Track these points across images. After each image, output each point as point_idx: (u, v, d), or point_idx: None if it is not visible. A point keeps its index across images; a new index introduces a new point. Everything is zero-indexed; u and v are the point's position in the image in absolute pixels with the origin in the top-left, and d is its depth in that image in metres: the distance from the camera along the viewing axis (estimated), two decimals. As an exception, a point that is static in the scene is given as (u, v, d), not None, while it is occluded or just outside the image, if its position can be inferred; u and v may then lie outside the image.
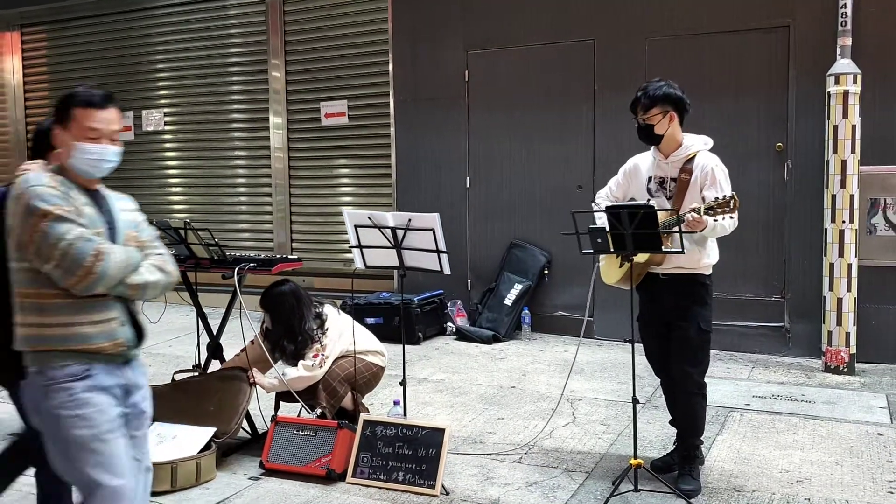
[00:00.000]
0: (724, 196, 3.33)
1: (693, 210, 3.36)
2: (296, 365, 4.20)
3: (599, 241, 3.44)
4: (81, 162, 2.39)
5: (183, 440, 4.00)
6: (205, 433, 4.02)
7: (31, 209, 2.27)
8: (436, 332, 7.01)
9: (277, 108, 8.43)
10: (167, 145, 9.28)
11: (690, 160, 3.58)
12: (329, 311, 4.33)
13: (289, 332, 4.23)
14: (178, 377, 4.49)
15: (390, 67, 7.63)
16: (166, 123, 9.20)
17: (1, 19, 10.05)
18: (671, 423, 3.92)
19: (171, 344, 6.80)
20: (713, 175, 3.51)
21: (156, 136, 9.28)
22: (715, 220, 3.34)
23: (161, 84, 9.21)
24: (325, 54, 8.17)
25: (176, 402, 4.30)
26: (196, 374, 4.50)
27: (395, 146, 7.67)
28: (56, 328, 2.33)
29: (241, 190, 8.89)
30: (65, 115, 2.39)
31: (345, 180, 8.30)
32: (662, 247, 3.37)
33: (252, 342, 4.40)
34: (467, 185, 7.26)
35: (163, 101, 9.22)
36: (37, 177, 2.34)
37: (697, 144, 3.62)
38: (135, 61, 9.31)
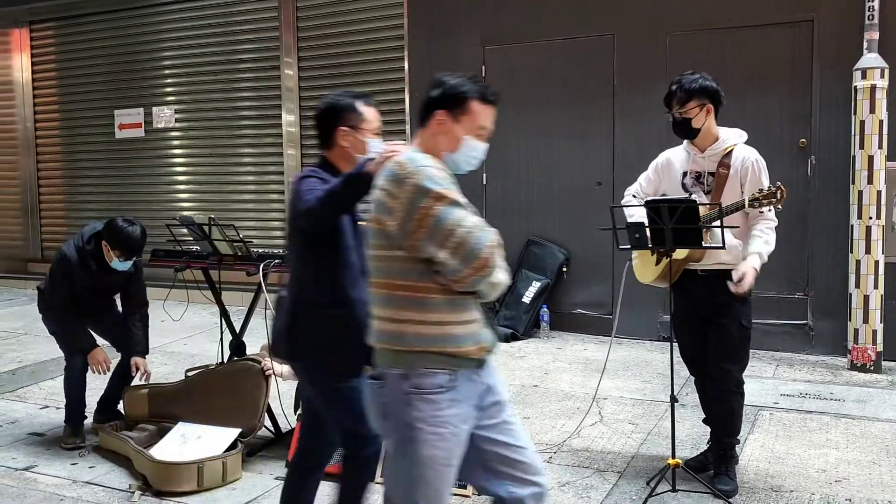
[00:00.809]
0: (769, 187, 3.25)
1: (735, 204, 3.29)
2: None
3: (638, 236, 3.37)
4: (463, 157, 2.26)
5: (208, 441, 3.94)
6: (230, 433, 3.95)
7: (425, 190, 2.06)
8: (453, 330, 6.93)
9: (290, 105, 8.36)
10: (177, 142, 9.21)
11: (728, 154, 3.50)
12: None
13: None
14: (191, 374, 4.41)
15: (405, 63, 7.56)
16: (177, 120, 9.14)
17: (10, 16, 9.98)
18: (704, 421, 3.86)
19: (186, 342, 6.74)
20: (753, 170, 3.45)
21: (166, 133, 9.22)
22: (760, 212, 3.27)
23: (171, 81, 9.14)
24: (338, 50, 8.09)
25: (195, 400, 4.23)
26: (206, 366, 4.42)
27: (411, 143, 7.58)
28: (433, 326, 2.13)
29: (253, 188, 8.83)
30: (460, 106, 2.22)
31: (358, 177, 8.21)
32: (702, 242, 3.30)
33: None
34: (484, 182, 7.19)
35: (173, 98, 9.15)
36: (424, 157, 2.15)
37: (733, 138, 3.55)
38: (145, 58, 9.25)
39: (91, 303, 4.36)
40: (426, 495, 2.17)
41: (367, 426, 2.60)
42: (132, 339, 4.38)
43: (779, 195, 3.24)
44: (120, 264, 4.17)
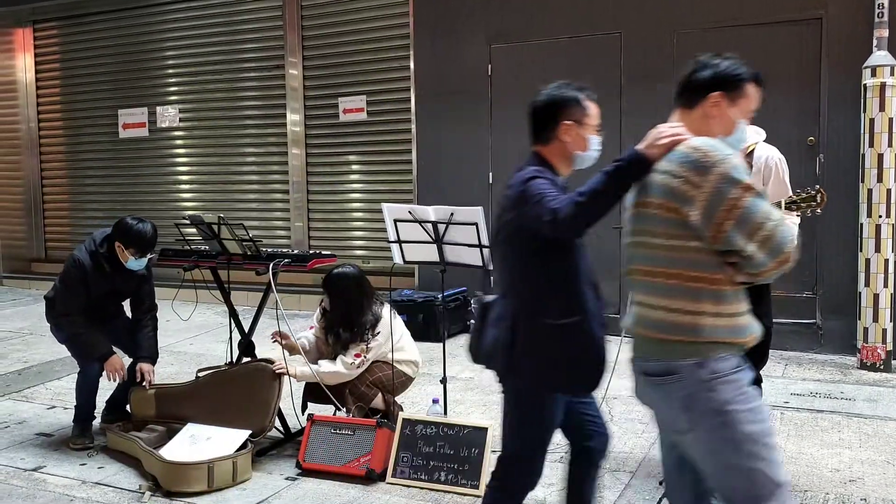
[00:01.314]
0: (808, 190, 3.20)
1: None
2: (334, 358, 4.11)
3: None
4: (735, 141, 2.22)
5: (217, 442, 3.91)
6: (240, 435, 3.93)
7: (734, 180, 2.00)
8: (459, 329, 6.92)
9: (295, 104, 8.35)
10: (181, 142, 9.20)
11: (750, 153, 3.47)
12: (385, 312, 4.20)
13: (345, 320, 4.13)
14: (202, 375, 4.39)
15: (411, 62, 7.54)
16: (181, 120, 9.12)
17: (13, 15, 9.97)
18: None
19: (192, 342, 6.72)
20: (777, 170, 3.42)
21: (170, 132, 9.20)
22: (799, 215, 3.22)
23: (176, 80, 9.13)
24: (343, 49, 8.09)
25: (204, 401, 4.22)
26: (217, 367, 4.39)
27: (417, 142, 7.58)
28: (726, 318, 2.09)
29: (257, 187, 8.81)
30: (736, 89, 2.21)
31: (363, 177, 8.21)
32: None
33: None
34: (490, 181, 7.17)
35: (177, 98, 9.14)
36: (723, 145, 2.09)
37: (754, 136, 3.51)
38: (149, 57, 9.24)
39: (103, 307, 4.33)
40: (766, 473, 2.05)
41: (538, 451, 2.58)
42: (141, 345, 4.35)
43: (819, 199, 3.14)
44: (135, 263, 4.15)
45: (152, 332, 4.40)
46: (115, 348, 4.34)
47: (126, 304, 4.53)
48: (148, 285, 4.37)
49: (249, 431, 3.95)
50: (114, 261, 4.16)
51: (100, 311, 4.31)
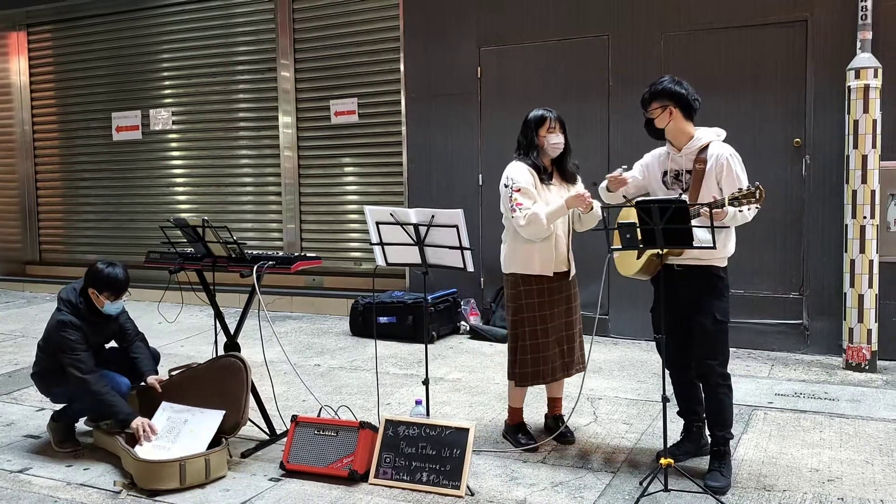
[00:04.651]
0: (748, 187, 3.30)
1: (716, 202, 3.34)
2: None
3: (629, 236, 3.38)
4: None
5: (193, 423, 3.99)
6: (215, 416, 3.99)
7: None
8: (449, 331, 6.95)
9: (287, 107, 8.38)
10: (175, 144, 9.23)
11: (703, 150, 3.59)
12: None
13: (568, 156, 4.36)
14: (175, 374, 4.40)
15: (401, 65, 7.57)
16: (174, 123, 9.15)
17: (7, 19, 10.01)
18: (679, 413, 4.03)
19: (183, 344, 6.74)
20: (728, 165, 3.51)
21: (163, 135, 9.24)
22: (740, 211, 3.31)
23: (169, 83, 9.16)
24: (334, 52, 8.12)
25: (180, 398, 4.20)
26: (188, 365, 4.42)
27: (407, 144, 7.61)
28: None
29: (250, 189, 8.84)
30: None
31: (355, 179, 8.24)
32: (693, 242, 3.31)
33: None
34: (480, 183, 7.19)
35: (170, 101, 9.17)
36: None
37: (709, 135, 3.65)
38: (142, 60, 9.27)
39: (97, 354, 4.29)
40: None
41: None
42: (141, 365, 4.33)
43: (758, 195, 3.25)
44: (112, 307, 4.13)
45: (145, 348, 4.41)
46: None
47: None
48: (123, 316, 4.35)
49: (223, 412, 3.99)
50: (96, 310, 4.15)
51: (99, 360, 4.29)
